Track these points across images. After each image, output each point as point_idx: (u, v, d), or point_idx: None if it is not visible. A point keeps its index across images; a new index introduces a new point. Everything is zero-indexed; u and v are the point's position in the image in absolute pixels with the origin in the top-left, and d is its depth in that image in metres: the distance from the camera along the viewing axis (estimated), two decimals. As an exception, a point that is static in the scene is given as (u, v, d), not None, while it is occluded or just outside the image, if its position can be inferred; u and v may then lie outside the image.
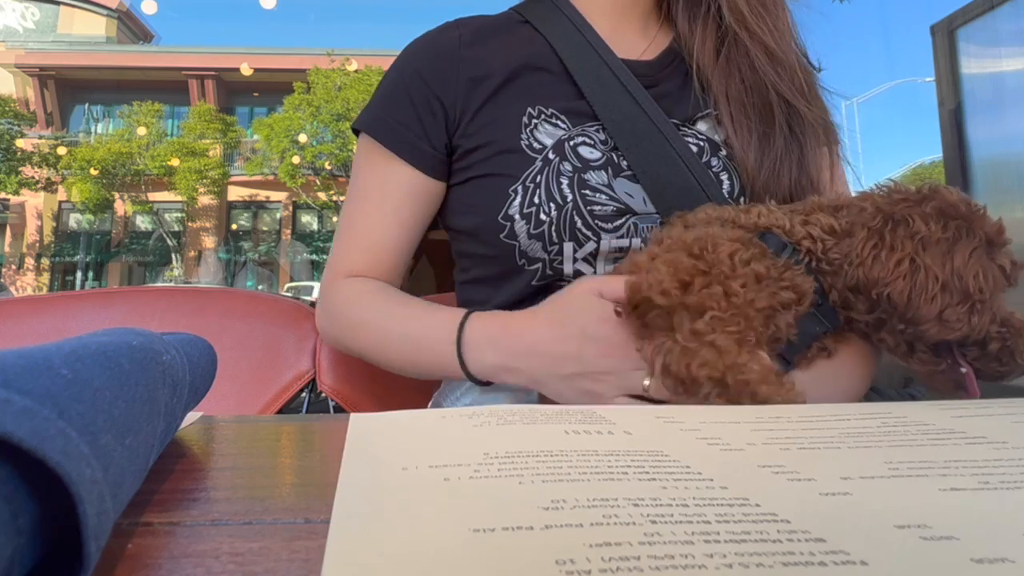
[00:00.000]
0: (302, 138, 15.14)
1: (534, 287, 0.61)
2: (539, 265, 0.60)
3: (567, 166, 0.59)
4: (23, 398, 0.15)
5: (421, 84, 0.64)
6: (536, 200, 0.59)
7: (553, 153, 0.60)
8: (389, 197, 0.64)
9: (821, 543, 0.16)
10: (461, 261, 0.70)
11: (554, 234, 0.58)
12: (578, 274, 0.59)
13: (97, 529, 0.15)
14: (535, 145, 0.61)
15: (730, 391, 0.39)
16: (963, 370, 0.41)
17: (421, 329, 0.57)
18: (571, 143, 0.61)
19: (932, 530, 0.17)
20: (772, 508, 0.19)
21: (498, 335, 0.52)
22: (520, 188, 0.60)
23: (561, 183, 0.59)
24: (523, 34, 0.67)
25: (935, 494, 0.20)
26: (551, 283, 0.61)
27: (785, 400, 0.39)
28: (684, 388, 0.41)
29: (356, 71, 15.37)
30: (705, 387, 0.40)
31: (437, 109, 0.64)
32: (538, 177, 0.59)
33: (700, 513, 0.18)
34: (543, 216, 0.58)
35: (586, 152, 0.60)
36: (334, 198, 16.16)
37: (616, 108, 0.61)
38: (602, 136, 0.61)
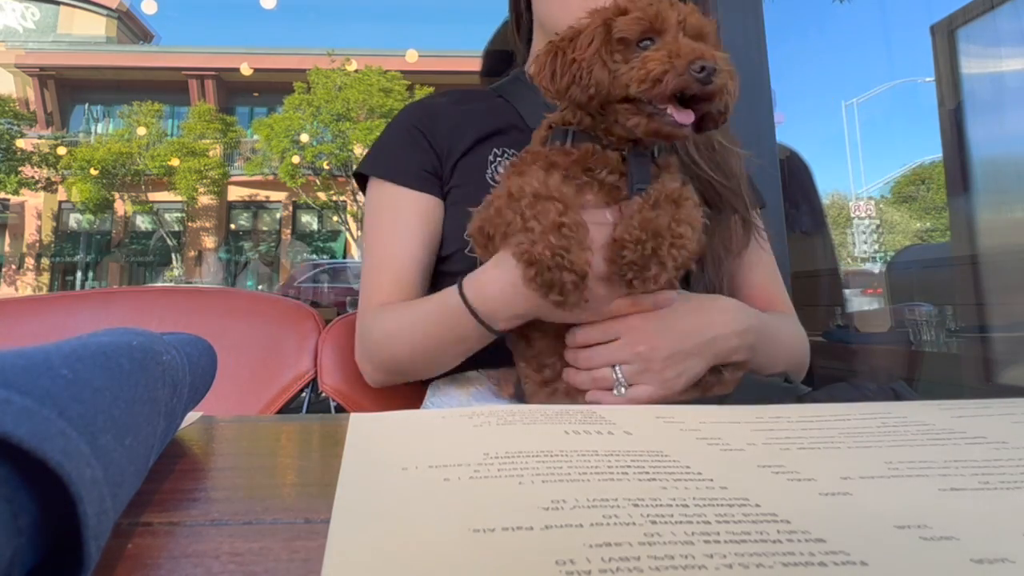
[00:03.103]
0: (304, 138, 15.13)
1: None
2: None
3: None
4: (23, 398, 0.15)
5: (414, 131, 0.77)
6: None
7: None
8: (400, 220, 0.74)
9: (821, 543, 0.16)
10: (437, 283, 0.76)
11: None
12: None
13: (97, 529, 0.15)
14: (496, 179, 0.70)
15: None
16: (666, 110, 0.48)
17: (433, 307, 0.63)
18: None
19: (932, 530, 0.17)
20: (772, 508, 0.19)
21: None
22: None
23: None
24: (497, 103, 0.80)
25: (935, 494, 0.20)
26: None
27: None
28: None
29: (356, 71, 15.35)
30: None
31: (427, 147, 0.76)
32: None
33: (700, 513, 0.18)
34: None
35: None
36: (334, 198, 16.14)
37: None
38: None
